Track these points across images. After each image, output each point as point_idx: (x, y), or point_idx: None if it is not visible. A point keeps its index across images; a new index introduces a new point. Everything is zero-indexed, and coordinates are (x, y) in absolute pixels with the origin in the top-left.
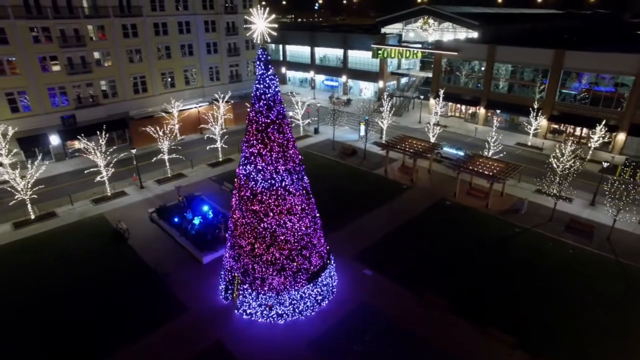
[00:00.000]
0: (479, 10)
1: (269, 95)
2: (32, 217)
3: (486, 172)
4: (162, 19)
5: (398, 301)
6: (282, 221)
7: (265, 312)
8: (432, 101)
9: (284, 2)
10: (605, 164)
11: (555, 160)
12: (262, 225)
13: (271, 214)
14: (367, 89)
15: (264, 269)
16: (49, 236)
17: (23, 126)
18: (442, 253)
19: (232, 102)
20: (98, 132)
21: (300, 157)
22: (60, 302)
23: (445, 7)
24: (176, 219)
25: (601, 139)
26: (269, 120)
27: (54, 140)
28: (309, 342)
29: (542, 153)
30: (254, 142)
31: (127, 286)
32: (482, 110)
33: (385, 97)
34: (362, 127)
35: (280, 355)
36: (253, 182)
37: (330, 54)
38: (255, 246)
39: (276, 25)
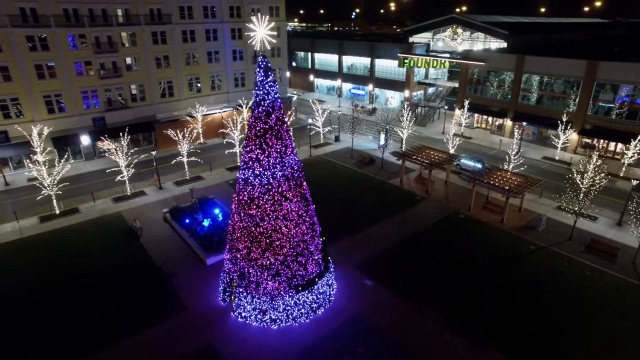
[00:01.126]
0: (511, 20)
1: (267, 101)
2: (57, 212)
3: (502, 186)
4: (190, 27)
5: (395, 314)
6: (278, 226)
7: (259, 316)
8: (457, 112)
9: (321, 11)
10: (634, 182)
11: (579, 175)
12: (258, 229)
13: (267, 219)
14: (393, 98)
15: (259, 273)
16: (69, 231)
17: (57, 126)
18: (448, 267)
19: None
20: (120, 134)
21: (300, 163)
22: (70, 292)
23: (476, 17)
24: (187, 220)
25: (636, 154)
26: (267, 126)
27: (85, 140)
28: (300, 349)
29: (569, 168)
30: (253, 147)
31: (133, 282)
32: (508, 122)
33: (406, 106)
34: (382, 136)
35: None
36: (250, 187)
37: (358, 62)
38: (252, 250)
39: (275, 33)
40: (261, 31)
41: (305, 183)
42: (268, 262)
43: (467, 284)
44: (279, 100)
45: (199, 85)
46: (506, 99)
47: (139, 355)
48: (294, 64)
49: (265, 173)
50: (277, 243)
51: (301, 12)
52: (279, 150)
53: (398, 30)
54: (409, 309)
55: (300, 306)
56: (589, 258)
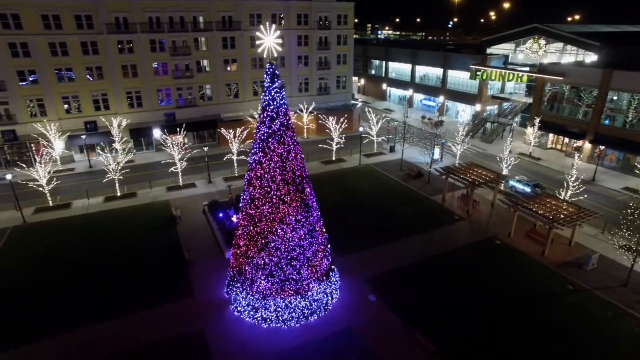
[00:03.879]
0: (606, 29)
1: (272, 107)
2: (119, 194)
3: (546, 214)
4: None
5: (389, 336)
6: (274, 228)
7: (252, 313)
8: (529, 130)
9: (418, 20)
10: None
11: None
12: (255, 229)
13: (264, 220)
14: (464, 112)
15: (254, 272)
16: (123, 212)
17: (134, 119)
18: (465, 295)
19: (316, 113)
20: (178, 130)
21: (305, 170)
22: (106, 262)
23: (563, 26)
24: (221, 215)
25: None
26: (270, 131)
27: (157, 133)
28: (280, 352)
29: None
30: (257, 150)
31: (157, 263)
32: (587, 145)
33: (463, 124)
34: (437, 151)
35: (247, 357)
36: (252, 188)
37: (431, 73)
38: (249, 248)
39: (280, 41)
40: (269, 40)
41: (308, 189)
42: (263, 262)
43: (481, 317)
44: (286, 106)
45: (263, 88)
46: (586, 119)
47: (135, 329)
48: (369, 72)
49: (266, 176)
50: (273, 245)
51: (397, 20)
52: (280, 154)
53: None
54: (405, 334)
55: (292, 310)
56: None
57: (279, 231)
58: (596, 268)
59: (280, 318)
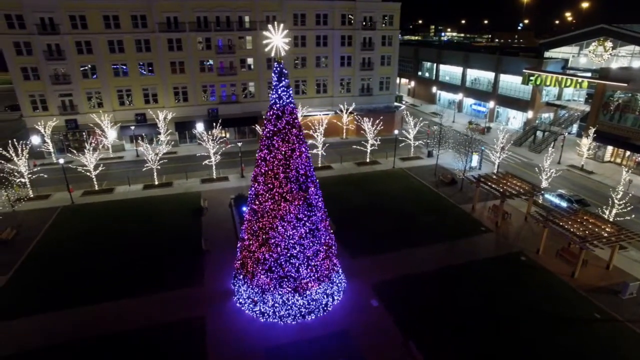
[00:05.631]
0: None
1: (278, 105)
2: (156, 183)
3: (577, 232)
4: (302, 33)
5: (381, 341)
6: (274, 225)
7: (251, 305)
8: (583, 140)
9: (485, 22)
10: None
11: None
12: (258, 224)
13: (266, 216)
14: (514, 118)
15: (254, 265)
16: (157, 199)
17: (179, 113)
18: (472, 311)
19: (355, 113)
20: (214, 124)
21: (310, 169)
22: (132, 245)
23: (635, 26)
24: (244, 208)
25: None
26: (275, 129)
27: (199, 127)
28: (272, 347)
29: None
30: (262, 147)
31: (176, 250)
32: None
33: (503, 131)
34: (475, 157)
35: (238, 347)
36: (256, 184)
37: (482, 76)
38: (252, 242)
39: (288, 39)
40: (277, 39)
41: (312, 189)
42: (263, 256)
43: (481, 336)
44: (292, 105)
45: (304, 87)
46: None
47: (146, 309)
48: (420, 74)
49: (269, 173)
50: (273, 241)
51: (462, 21)
52: (284, 152)
53: None
54: (399, 343)
55: (288, 307)
56: None
57: (279, 228)
58: (634, 297)
59: (277, 313)
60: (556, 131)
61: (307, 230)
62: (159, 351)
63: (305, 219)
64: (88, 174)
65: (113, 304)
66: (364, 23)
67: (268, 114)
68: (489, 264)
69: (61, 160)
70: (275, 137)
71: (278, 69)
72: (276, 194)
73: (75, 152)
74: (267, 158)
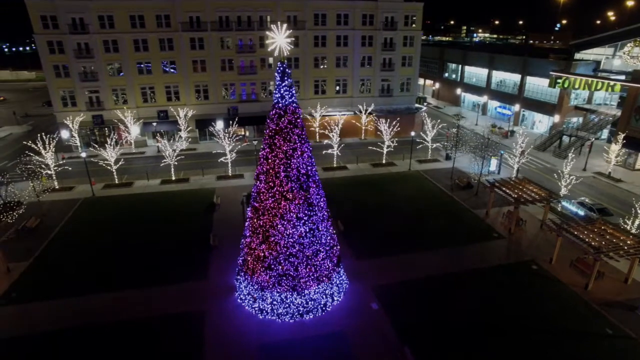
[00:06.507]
0: None
1: (280, 104)
2: (173, 178)
3: (592, 242)
4: (322, 33)
5: (376, 345)
6: (274, 223)
7: (250, 302)
8: (613, 146)
9: (520, 22)
10: None
11: None
12: (258, 222)
13: (266, 214)
14: (541, 122)
15: (255, 262)
16: (173, 194)
17: (200, 111)
18: (474, 320)
19: (375, 114)
20: (231, 122)
21: (312, 169)
22: (144, 236)
23: None
24: None
25: None
26: (277, 128)
27: (219, 125)
28: (266, 343)
29: None
30: (265, 145)
31: (185, 244)
32: None
33: (522, 135)
34: (494, 162)
35: (235, 342)
36: (258, 182)
37: (508, 78)
38: (253, 240)
39: (292, 39)
40: (280, 38)
41: (314, 188)
42: (263, 254)
43: (479, 346)
44: (294, 104)
45: (324, 87)
46: None
47: (150, 301)
48: (445, 75)
49: (270, 171)
50: (272, 239)
51: (496, 22)
52: (285, 151)
53: None
54: (394, 348)
55: (286, 305)
56: None
57: (279, 226)
58: None
59: (275, 311)
60: (583, 136)
61: (307, 230)
62: (157, 341)
63: (305, 218)
64: (109, 167)
65: (119, 294)
66: (385, 23)
67: (271, 112)
68: (498, 271)
69: (83, 154)
70: (276, 136)
71: (281, 68)
72: (276, 192)
73: (96, 146)
74: (269, 157)
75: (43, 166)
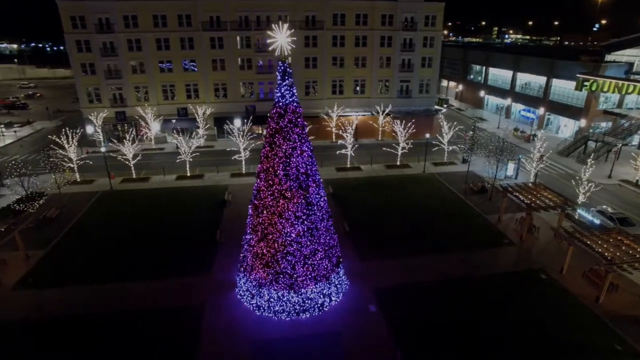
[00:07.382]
0: None
1: (281, 103)
2: (188, 174)
3: (604, 253)
4: (341, 32)
5: (370, 347)
6: (273, 221)
7: (248, 298)
8: None
9: (555, 23)
10: None
11: None
12: (258, 219)
13: (265, 212)
14: (566, 127)
15: (253, 259)
16: (186, 190)
17: (218, 109)
18: (473, 329)
19: (392, 115)
20: (245, 121)
21: (312, 168)
22: (155, 234)
23: None
24: None
25: None
26: (277, 127)
27: (237, 123)
28: (260, 340)
29: None
30: (266, 144)
31: (193, 239)
32: None
33: (540, 139)
34: (511, 166)
35: (230, 337)
36: (259, 180)
37: (534, 81)
38: (252, 237)
39: (293, 38)
40: (281, 38)
41: (313, 188)
42: (261, 251)
43: (474, 356)
44: (295, 103)
45: (341, 87)
46: None
47: (152, 293)
48: (470, 77)
49: (270, 170)
50: (270, 237)
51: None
52: (284, 150)
53: None
54: (387, 351)
55: (283, 303)
56: None
57: (277, 224)
58: None
59: (271, 308)
60: (610, 142)
61: (305, 229)
62: (156, 332)
63: (303, 217)
64: (127, 162)
65: (124, 284)
66: (404, 23)
67: (271, 111)
68: (504, 279)
69: (103, 149)
70: (277, 135)
71: (282, 68)
72: (275, 190)
73: (115, 141)
74: (269, 155)
75: (66, 159)
